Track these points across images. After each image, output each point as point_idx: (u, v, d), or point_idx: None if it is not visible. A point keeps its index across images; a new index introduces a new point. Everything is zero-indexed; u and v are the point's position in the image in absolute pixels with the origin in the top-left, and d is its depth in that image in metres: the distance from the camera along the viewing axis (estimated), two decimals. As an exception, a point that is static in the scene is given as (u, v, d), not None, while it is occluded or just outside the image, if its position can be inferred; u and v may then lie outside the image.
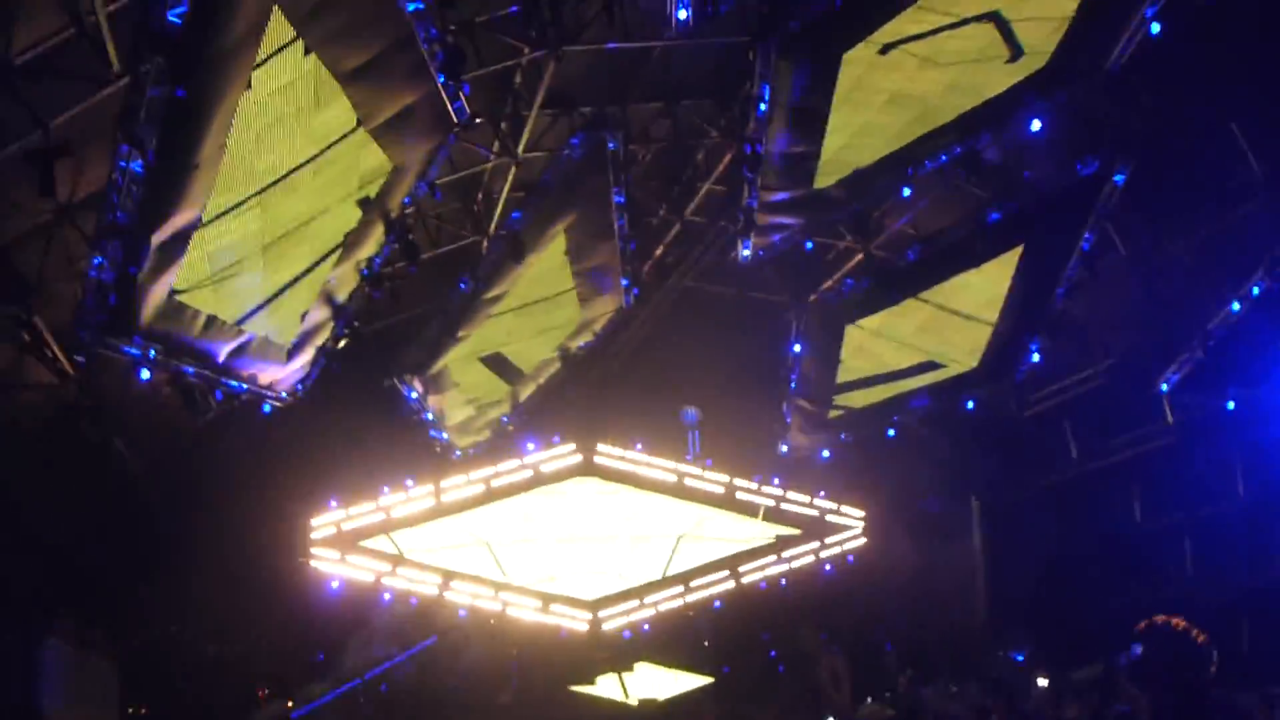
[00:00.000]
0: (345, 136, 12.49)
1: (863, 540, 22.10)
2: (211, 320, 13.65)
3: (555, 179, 15.52)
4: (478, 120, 14.10)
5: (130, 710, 19.51)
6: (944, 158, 15.29)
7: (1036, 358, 18.51)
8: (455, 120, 12.83)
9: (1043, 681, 18.83)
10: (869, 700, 17.83)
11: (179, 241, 12.15)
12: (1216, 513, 18.85)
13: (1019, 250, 17.28)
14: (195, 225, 12.11)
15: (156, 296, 12.70)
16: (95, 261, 11.81)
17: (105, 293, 12.05)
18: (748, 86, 14.21)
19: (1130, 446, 19.67)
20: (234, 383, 15.01)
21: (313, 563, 20.17)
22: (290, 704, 19.69)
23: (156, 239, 11.86)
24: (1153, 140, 15.55)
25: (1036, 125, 14.59)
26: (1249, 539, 18.45)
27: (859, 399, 20.25)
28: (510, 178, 16.32)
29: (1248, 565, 18.76)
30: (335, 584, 20.50)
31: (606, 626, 21.46)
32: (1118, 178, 15.84)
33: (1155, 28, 12.90)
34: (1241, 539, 18.52)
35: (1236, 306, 16.68)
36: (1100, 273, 17.30)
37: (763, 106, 14.13)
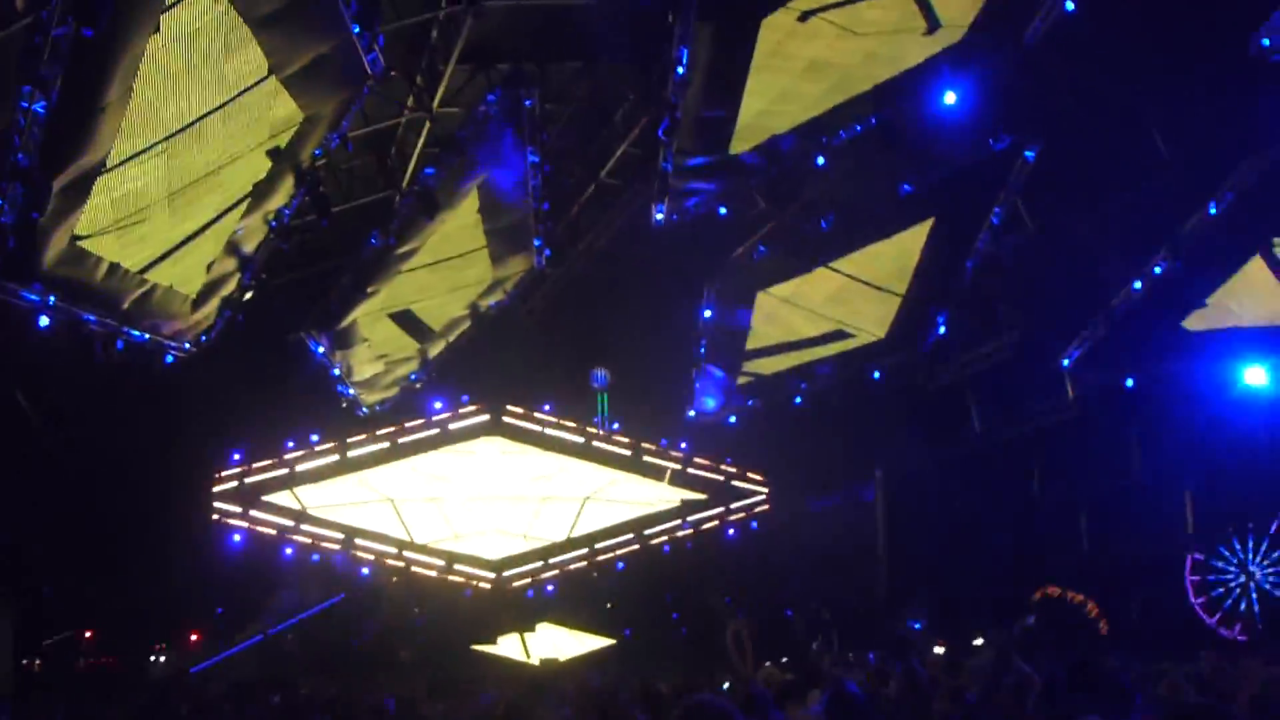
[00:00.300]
0: (256, 84, 12.25)
1: (766, 506, 22.47)
2: (114, 268, 13.38)
3: (470, 136, 15.35)
4: (392, 73, 13.95)
5: (24, 663, 19.19)
6: (859, 128, 15.36)
7: (943, 330, 18.74)
8: (369, 72, 12.63)
9: (939, 649, 19.11)
10: (767, 664, 17.96)
11: (82, 186, 11.86)
12: (1112, 487, 19.23)
13: (930, 222, 17.45)
14: (99, 170, 11.82)
15: (58, 242, 12.41)
16: (-6, 204, 11.48)
17: (4, 236, 11.71)
18: (666, 49, 14.13)
19: (1032, 420, 19.98)
20: (136, 332, 14.74)
21: (215, 516, 20.07)
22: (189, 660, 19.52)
23: (58, 183, 11.56)
24: (1064, 117, 15.76)
25: (951, 98, 14.69)
26: (1142, 514, 18.86)
27: (768, 366, 20.38)
28: (424, 133, 16.14)
29: (1140, 539, 19.20)
30: (237, 538, 20.42)
31: (510, 585, 21.57)
32: (1028, 153, 16.06)
33: (1070, 4, 13.05)
34: (1135, 514, 18.93)
35: (1139, 285, 16.98)
36: (1008, 247, 17.54)
37: (680, 70, 14.06)
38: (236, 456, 20.36)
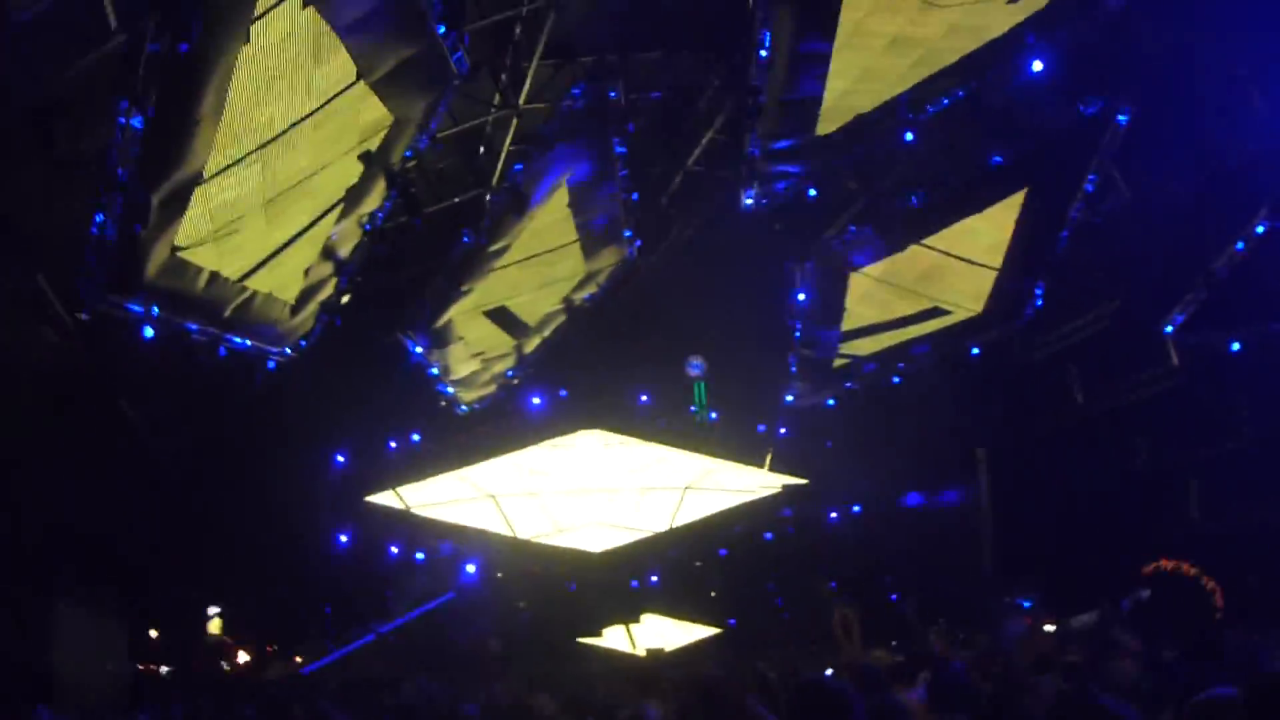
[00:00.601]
0: (345, 90, 12.41)
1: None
2: (214, 277, 13.63)
3: (557, 131, 15.43)
4: (478, 72, 14.06)
5: (141, 668, 19.64)
6: (946, 101, 15.20)
7: (1041, 302, 18.49)
8: (456, 72, 12.75)
9: (1050, 628, 18.90)
10: (875, 650, 17.87)
11: (180, 198, 12.09)
12: (1222, 453, 18.85)
13: (1023, 194, 17.23)
14: (196, 181, 12.05)
15: (159, 254, 12.67)
16: (97, 219, 11.74)
17: (107, 250, 12.00)
18: (747, 33, 14.09)
19: (1135, 389, 19.64)
20: (238, 339, 15.00)
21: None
22: (299, 660, 19.85)
23: (158, 196, 11.80)
24: (1155, 79, 15.47)
25: (1038, 66, 14.50)
26: (1255, 479, 18.47)
27: (864, 347, 20.24)
28: (511, 130, 16.24)
29: (1254, 505, 18.79)
30: (344, 539, 20.78)
31: (610, 575, 21.67)
32: (1120, 118, 15.77)
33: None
34: (1247, 479, 18.54)
35: (1240, 246, 16.64)
36: (1104, 215, 17.27)
37: (763, 53, 14.02)
38: (340, 459, 20.73)
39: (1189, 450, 19.49)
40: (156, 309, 13.32)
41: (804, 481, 22.09)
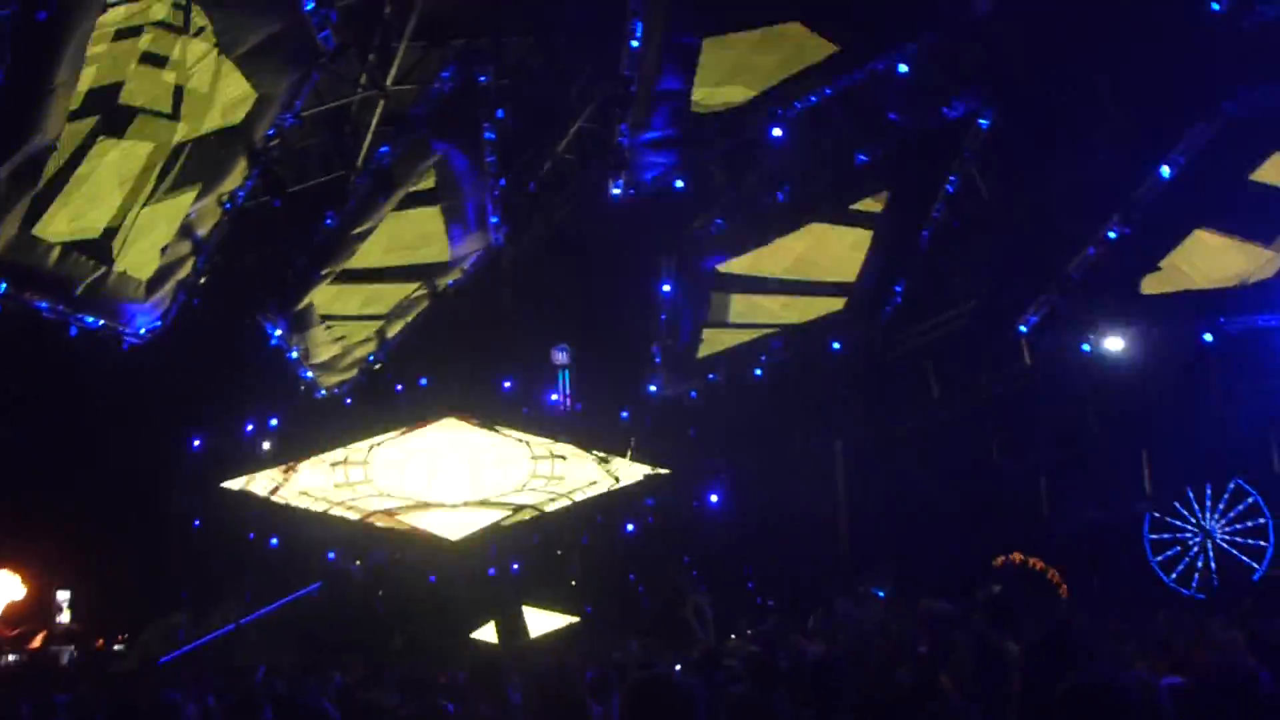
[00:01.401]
0: (209, 64, 12.13)
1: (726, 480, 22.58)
2: (66, 253, 13.21)
3: (424, 113, 15.25)
4: (345, 50, 13.84)
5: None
6: (814, 99, 15.35)
7: (901, 300, 18.80)
8: (322, 49, 12.53)
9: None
10: (733, 637, 18.06)
11: (32, 169, 11.69)
12: (1071, 452, 19.38)
13: (886, 193, 17.50)
14: (49, 152, 11.66)
15: (7, 229, 12.24)
16: (-59, 190, 11.32)
17: (-47, 223, 11.58)
18: (620, 22, 14.08)
19: (990, 388, 20.09)
20: (90, 318, 14.56)
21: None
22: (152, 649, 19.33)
23: (7, 168, 11.40)
24: (1017, 85, 15.81)
25: (904, 68, 14.72)
26: (1101, 477, 19.03)
27: (727, 340, 20.38)
28: (378, 111, 16.03)
29: (1100, 502, 19.38)
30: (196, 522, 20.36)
31: (469, 564, 21.58)
32: (982, 121, 16.10)
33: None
34: (1094, 477, 19.10)
35: (1092, 250, 17.10)
36: (964, 216, 17.62)
37: (635, 43, 14.02)
38: (196, 442, 20.28)
39: (1040, 447, 20.00)
40: (4, 285, 12.88)
41: (666, 471, 22.25)
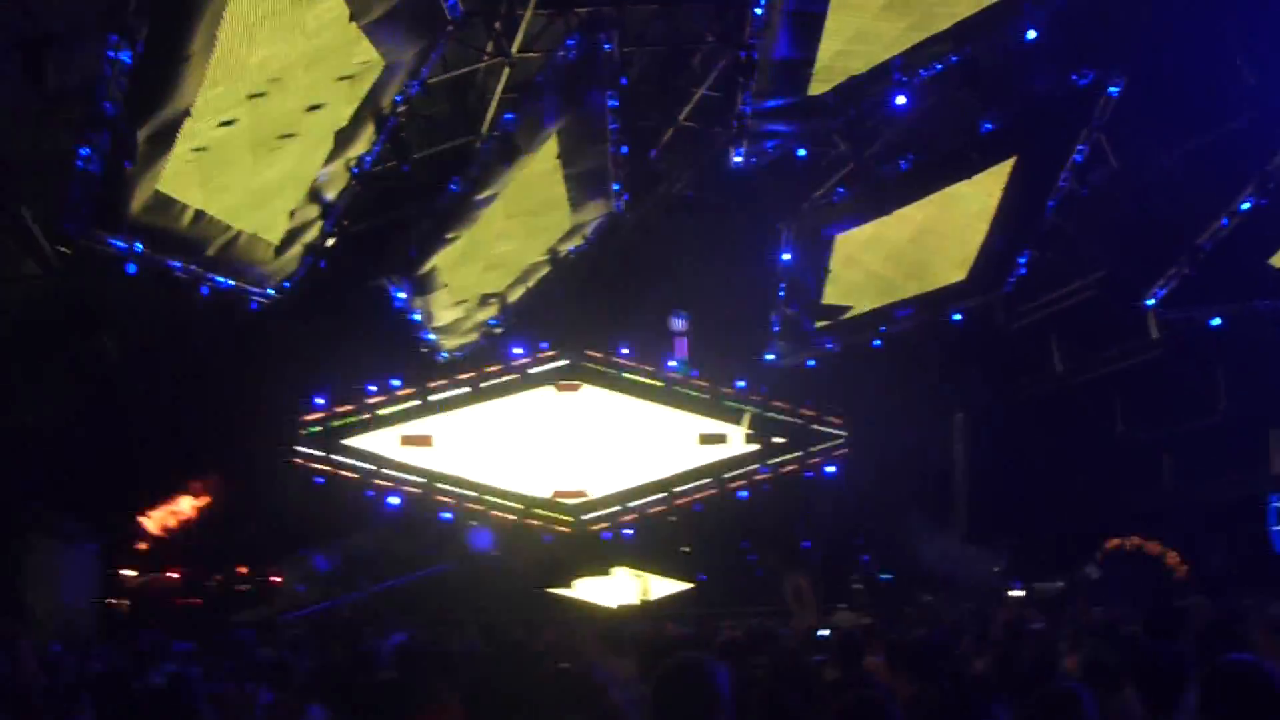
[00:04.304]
0: (337, 32, 12.32)
1: (845, 450, 22.44)
2: (200, 215, 13.57)
3: (548, 80, 15.36)
4: (471, 18, 13.97)
5: (110, 602, 19.64)
6: (939, 66, 15.15)
7: (1025, 270, 18.54)
8: (448, 18, 12.68)
9: (1018, 593, 19.06)
10: (843, 606, 18.02)
11: (167, 134, 12.01)
12: (1196, 428, 18.95)
13: (1011, 161, 17.23)
14: (184, 118, 11.96)
15: (144, 190, 12.60)
16: (82, 153, 11.64)
17: (92, 184, 11.91)
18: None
19: (1115, 360, 19.71)
20: (220, 278, 14.96)
21: (297, 460, 20.48)
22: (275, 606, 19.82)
23: (144, 132, 11.73)
24: (1147, 52, 15.45)
25: (1032, 34, 14.47)
26: (1227, 454, 18.58)
27: (847, 308, 20.29)
28: (504, 78, 16.16)
29: (1225, 480, 18.93)
30: (319, 480, 20.83)
31: (589, 529, 21.78)
32: (1112, 89, 15.76)
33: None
34: (1219, 454, 18.65)
35: (1225, 221, 16.69)
36: (1091, 185, 17.29)
37: (759, 11, 13.96)
38: (319, 400, 20.75)
39: (1164, 423, 19.58)
40: (140, 245, 13.27)
41: (781, 440, 22.23)
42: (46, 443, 16.63)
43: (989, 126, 16.70)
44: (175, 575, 20.33)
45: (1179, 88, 15.89)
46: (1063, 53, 15.51)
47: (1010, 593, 19.05)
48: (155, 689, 7.20)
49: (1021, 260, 18.35)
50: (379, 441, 21.20)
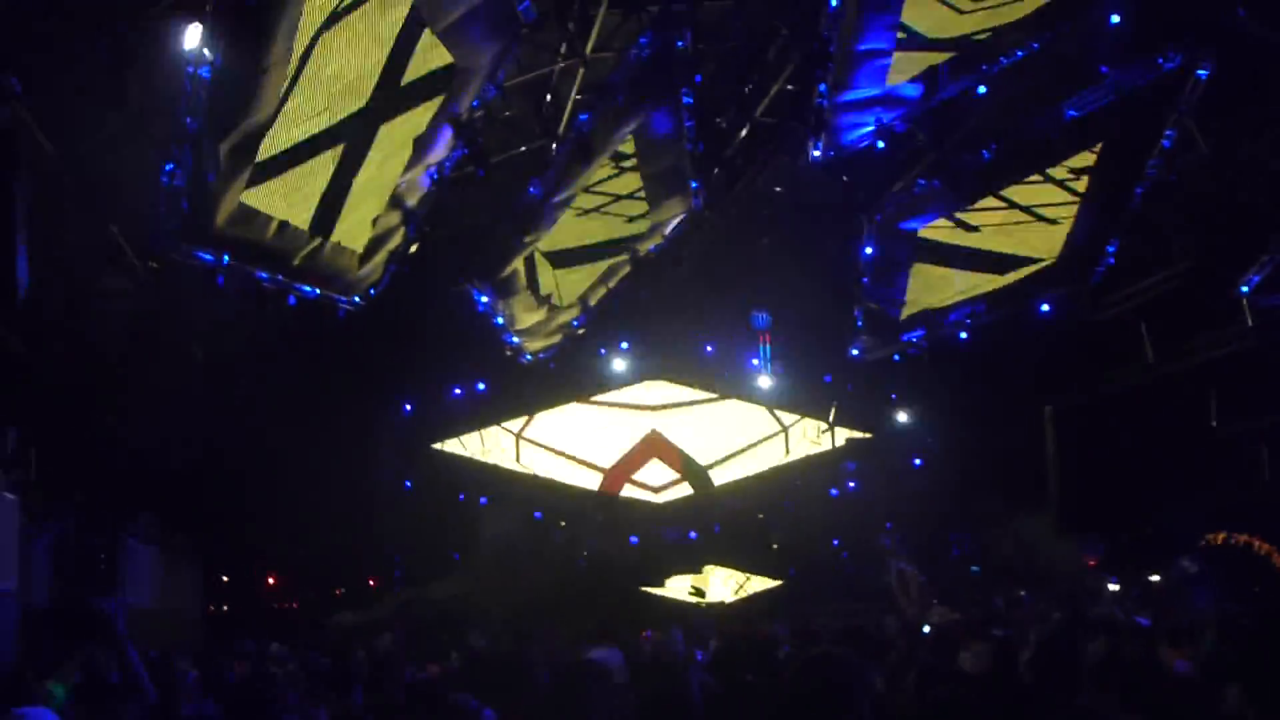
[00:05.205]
0: (411, 39, 12.41)
1: (931, 445, 22.26)
2: (284, 226, 13.73)
3: (623, 80, 15.34)
4: (545, 20, 13.99)
5: (211, 609, 20.00)
6: (1020, 53, 14.90)
7: (1114, 259, 18.21)
8: (522, 20, 12.70)
9: (1114, 587, 18.78)
10: (935, 603, 17.86)
11: (249, 146, 12.17)
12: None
13: (1097, 149, 16.92)
14: (265, 130, 12.11)
15: (228, 203, 12.76)
16: (166, 168, 11.83)
17: (178, 199, 12.09)
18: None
19: (1208, 350, 19.33)
20: (307, 288, 15.12)
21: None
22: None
23: (226, 145, 11.88)
24: (1236, 34, 15.09)
25: (1116, 18, 14.19)
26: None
27: (932, 301, 20.06)
28: (578, 79, 16.19)
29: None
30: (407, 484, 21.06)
31: (675, 525, 21.81)
32: (1200, 73, 15.41)
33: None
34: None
35: (1320, 206, 16.32)
36: (1181, 171, 16.94)
37: (833, 2, 13.83)
38: (408, 407, 20.97)
39: (1261, 414, 19.15)
40: (227, 258, 13.44)
41: (867, 435, 22.07)
42: (146, 456, 16.97)
43: (1073, 114, 16.41)
44: (273, 580, 20.70)
45: (1269, 70, 15.53)
46: (1149, 36, 15.20)
47: (1109, 586, 18.80)
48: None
49: (1110, 249, 18.01)
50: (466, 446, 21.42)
